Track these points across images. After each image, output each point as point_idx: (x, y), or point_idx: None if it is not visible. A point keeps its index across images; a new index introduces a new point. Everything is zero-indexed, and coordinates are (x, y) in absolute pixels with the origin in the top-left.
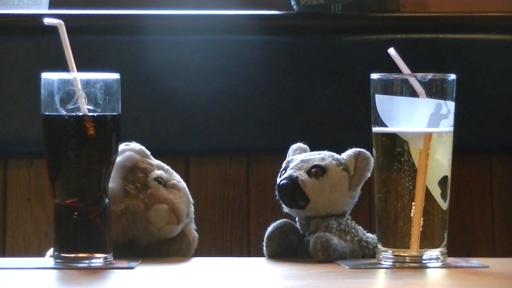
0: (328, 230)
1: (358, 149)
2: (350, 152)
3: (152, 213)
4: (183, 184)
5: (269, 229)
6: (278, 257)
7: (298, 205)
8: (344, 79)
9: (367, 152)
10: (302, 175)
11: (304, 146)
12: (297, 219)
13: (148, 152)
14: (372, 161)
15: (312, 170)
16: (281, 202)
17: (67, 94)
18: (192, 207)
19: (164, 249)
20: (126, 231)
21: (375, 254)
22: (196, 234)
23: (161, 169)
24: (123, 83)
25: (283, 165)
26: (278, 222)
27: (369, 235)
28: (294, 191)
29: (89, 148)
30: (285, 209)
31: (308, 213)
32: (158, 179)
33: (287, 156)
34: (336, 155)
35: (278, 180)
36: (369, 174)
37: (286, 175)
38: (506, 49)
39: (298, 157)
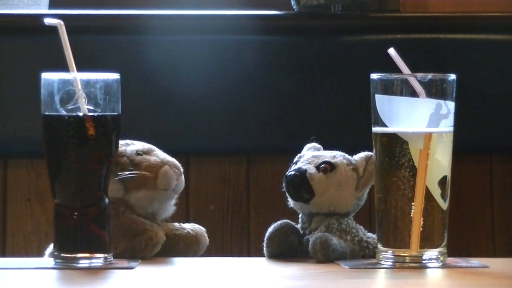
0: (329, 230)
1: (370, 153)
2: (362, 154)
3: (161, 180)
4: (150, 145)
5: (270, 229)
6: (278, 257)
7: (303, 198)
8: (344, 79)
9: None
10: (311, 168)
11: (318, 145)
12: (300, 215)
13: None
14: None
15: (321, 165)
16: (286, 194)
17: (67, 94)
18: None
19: (173, 247)
20: (136, 252)
21: (375, 254)
22: (207, 240)
23: (126, 145)
24: (123, 83)
25: (295, 159)
26: (278, 222)
27: (370, 235)
28: (300, 183)
29: (89, 148)
30: (290, 203)
31: (312, 209)
32: (138, 153)
33: (301, 153)
34: (348, 156)
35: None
36: None
37: (295, 167)
38: (506, 49)
39: (310, 153)
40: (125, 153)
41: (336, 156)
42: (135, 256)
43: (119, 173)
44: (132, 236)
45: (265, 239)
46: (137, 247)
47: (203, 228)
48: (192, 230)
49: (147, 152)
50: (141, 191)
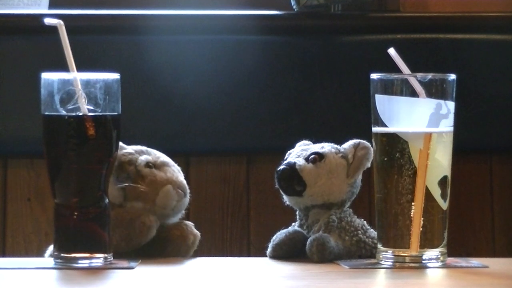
0: (328, 228)
1: (358, 140)
2: (350, 142)
3: (161, 198)
4: (167, 157)
5: (280, 236)
6: (278, 257)
7: (295, 190)
8: (344, 79)
9: (367, 143)
10: (300, 161)
11: (309, 142)
12: (297, 212)
13: (121, 143)
14: (372, 151)
15: (310, 157)
16: (279, 189)
17: (67, 94)
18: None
19: (161, 250)
20: (131, 238)
21: (372, 254)
22: (197, 234)
23: (141, 153)
24: (123, 83)
25: (286, 156)
26: (290, 231)
27: (371, 232)
28: (291, 176)
29: (89, 148)
30: (285, 199)
31: (306, 202)
32: (148, 165)
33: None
34: (337, 146)
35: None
36: (368, 164)
37: (285, 162)
38: (506, 49)
39: (299, 148)
40: (135, 162)
41: (324, 146)
42: (131, 244)
43: (120, 183)
44: (126, 224)
45: (273, 243)
46: (132, 233)
47: (190, 224)
48: (177, 229)
49: (159, 166)
50: (139, 203)
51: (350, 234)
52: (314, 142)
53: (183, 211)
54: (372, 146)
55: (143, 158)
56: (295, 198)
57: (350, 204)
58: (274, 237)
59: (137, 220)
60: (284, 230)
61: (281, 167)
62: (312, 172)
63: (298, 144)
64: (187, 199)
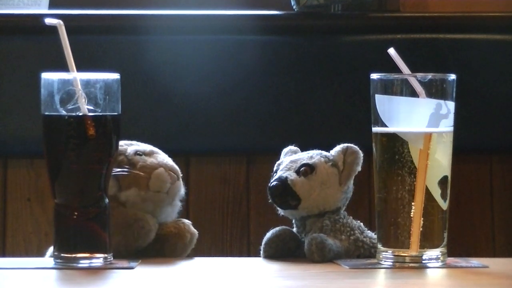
0: (323, 231)
1: (346, 144)
2: (338, 148)
3: (154, 181)
4: (154, 148)
5: (268, 235)
6: (270, 257)
7: (290, 205)
8: (344, 79)
9: (355, 147)
10: (291, 175)
11: (295, 148)
12: (293, 220)
13: None
14: (361, 155)
15: (301, 169)
16: (274, 204)
17: (67, 94)
18: None
19: (159, 248)
20: (130, 244)
21: (370, 254)
22: (195, 232)
23: (129, 145)
24: (123, 83)
25: (274, 168)
26: (276, 229)
27: (369, 233)
28: (284, 192)
29: (89, 148)
30: (280, 211)
31: (302, 213)
32: (137, 153)
33: (279, 159)
34: (325, 153)
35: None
36: (358, 168)
37: (276, 177)
38: (506, 49)
39: (288, 159)
40: (124, 152)
41: (313, 156)
42: (130, 248)
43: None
44: (124, 228)
45: (263, 243)
46: (130, 238)
47: (187, 221)
48: (174, 227)
49: (148, 154)
50: (132, 189)
51: (346, 233)
52: (310, 145)
53: (179, 203)
54: (372, 146)
55: (132, 148)
56: (290, 211)
57: (350, 205)
58: (263, 239)
59: (135, 224)
60: (272, 230)
61: (273, 183)
62: (305, 186)
63: (284, 151)
64: (181, 182)
